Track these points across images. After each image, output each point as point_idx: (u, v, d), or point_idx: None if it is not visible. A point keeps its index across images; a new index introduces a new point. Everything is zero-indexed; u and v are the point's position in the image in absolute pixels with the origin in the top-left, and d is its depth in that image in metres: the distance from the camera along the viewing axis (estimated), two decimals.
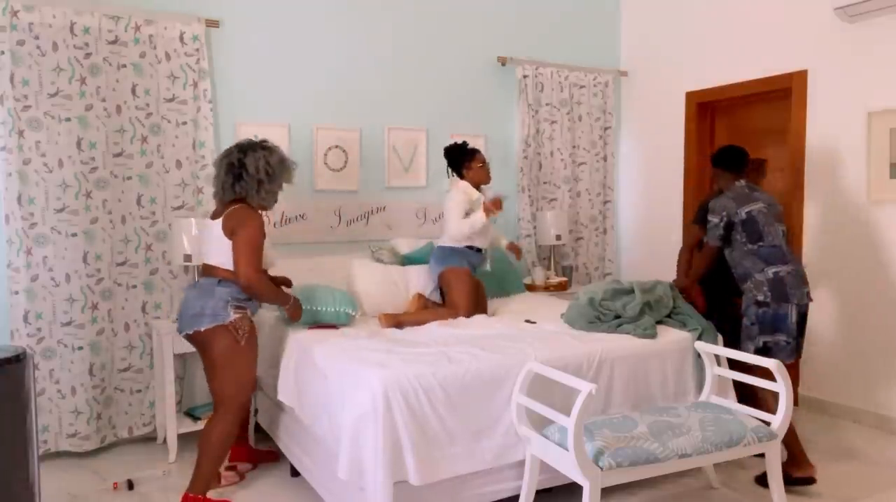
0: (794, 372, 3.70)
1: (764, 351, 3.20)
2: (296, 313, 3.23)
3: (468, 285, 3.72)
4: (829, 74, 4.12)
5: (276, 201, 3.14)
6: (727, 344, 3.30)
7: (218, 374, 2.96)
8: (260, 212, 3.05)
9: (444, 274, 3.79)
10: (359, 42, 4.40)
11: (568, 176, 5.18)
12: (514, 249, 4.23)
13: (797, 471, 3.10)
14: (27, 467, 1.86)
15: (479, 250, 3.86)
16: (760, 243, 3.26)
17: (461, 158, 3.89)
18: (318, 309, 3.33)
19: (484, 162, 3.90)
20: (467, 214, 3.75)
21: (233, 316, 2.91)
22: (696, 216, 3.77)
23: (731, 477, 3.27)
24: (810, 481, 3.10)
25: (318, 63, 4.28)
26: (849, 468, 3.39)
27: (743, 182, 3.38)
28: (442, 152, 4.00)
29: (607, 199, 5.39)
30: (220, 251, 2.97)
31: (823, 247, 4.17)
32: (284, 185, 3.15)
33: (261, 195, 3.01)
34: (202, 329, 2.90)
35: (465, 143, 3.95)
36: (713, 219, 3.34)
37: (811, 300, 3.32)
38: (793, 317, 3.21)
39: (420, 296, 3.81)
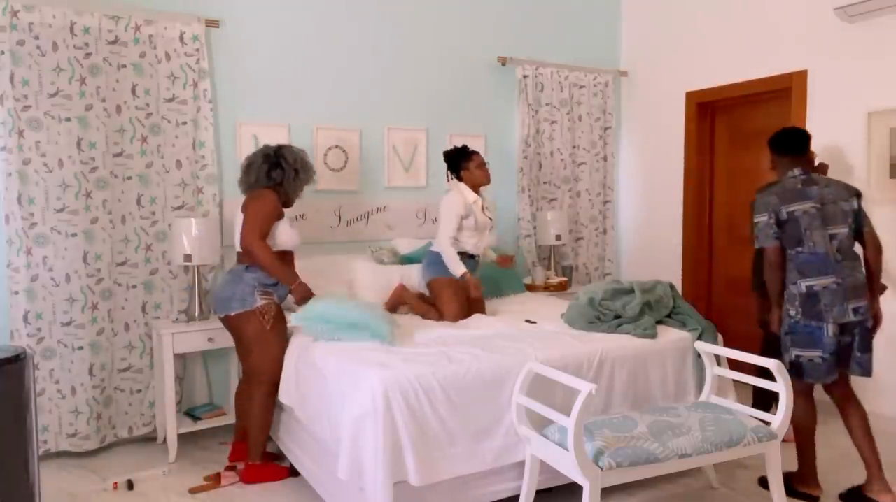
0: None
1: (796, 366, 2.91)
2: (301, 295, 3.25)
3: (454, 295, 3.68)
4: (829, 74, 4.12)
5: (297, 198, 3.46)
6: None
7: (250, 354, 3.23)
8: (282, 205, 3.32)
9: (431, 283, 3.80)
10: (359, 42, 4.40)
11: (568, 176, 5.19)
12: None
13: (802, 487, 3.03)
14: (27, 467, 1.86)
15: (472, 256, 3.85)
16: (799, 249, 2.89)
17: (459, 159, 3.88)
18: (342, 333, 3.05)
19: (482, 163, 3.88)
20: (464, 218, 3.74)
21: (259, 302, 3.16)
22: None
23: (731, 477, 3.27)
24: (814, 499, 3.01)
25: (318, 63, 4.27)
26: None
27: (797, 171, 2.96)
28: (441, 154, 4.00)
29: (607, 199, 5.39)
30: None
31: None
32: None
33: (297, 183, 3.35)
34: (232, 314, 3.17)
35: (464, 147, 3.93)
36: (761, 218, 2.93)
37: (860, 317, 2.88)
38: (829, 332, 2.84)
39: (402, 286, 3.84)
